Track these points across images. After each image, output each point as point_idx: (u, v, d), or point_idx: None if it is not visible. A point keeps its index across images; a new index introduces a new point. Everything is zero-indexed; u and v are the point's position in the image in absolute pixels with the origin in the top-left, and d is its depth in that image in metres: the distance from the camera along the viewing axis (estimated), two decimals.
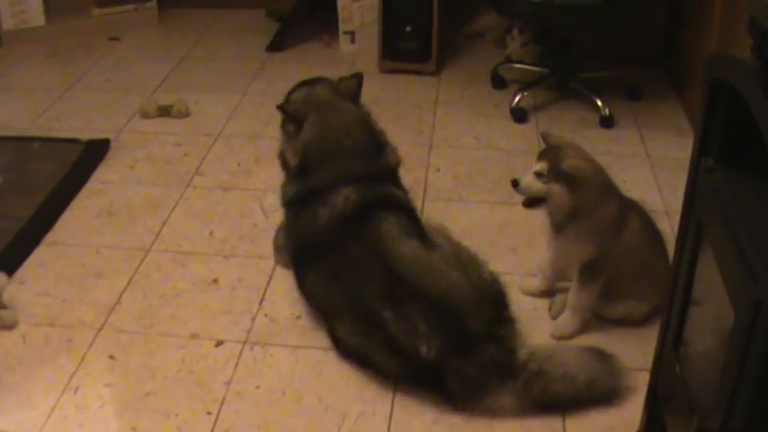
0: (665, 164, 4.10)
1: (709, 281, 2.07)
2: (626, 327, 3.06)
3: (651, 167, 4.09)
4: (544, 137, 3.02)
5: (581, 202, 2.87)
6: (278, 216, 3.37)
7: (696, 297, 2.24)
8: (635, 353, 2.91)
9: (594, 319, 3.08)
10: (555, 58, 4.83)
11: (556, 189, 2.86)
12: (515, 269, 3.37)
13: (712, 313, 2.13)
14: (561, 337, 3.04)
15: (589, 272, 2.96)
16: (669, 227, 3.52)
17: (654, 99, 4.74)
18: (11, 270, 3.36)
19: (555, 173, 2.85)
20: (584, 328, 3.07)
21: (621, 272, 2.97)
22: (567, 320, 3.05)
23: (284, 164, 3.24)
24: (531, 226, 3.59)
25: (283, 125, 3.23)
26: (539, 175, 2.88)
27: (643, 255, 2.99)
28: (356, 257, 2.90)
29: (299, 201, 3.13)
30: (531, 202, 2.94)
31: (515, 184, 2.93)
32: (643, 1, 4.49)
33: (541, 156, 2.92)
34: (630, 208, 3.00)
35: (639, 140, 4.34)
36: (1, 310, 3.12)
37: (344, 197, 3.01)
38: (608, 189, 2.94)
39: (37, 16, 5.59)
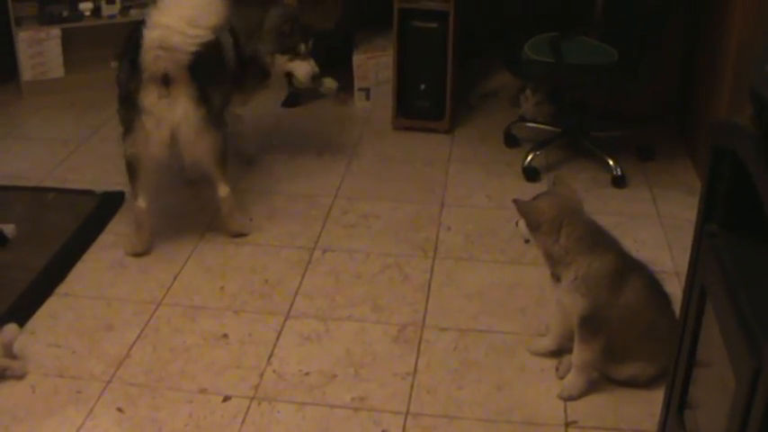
0: (676, 224, 4.11)
1: (713, 345, 2.08)
2: (634, 388, 3.05)
3: (662, 227, 4.10)
4: (555, 181, 3.09)
5: (557, 249, 2.95)
6: None
7: (701, 361, 2.25)
8: (643, 414, 2.92)
9: (603, 380, 3.08)
10: (567, 117, 4.86)
11: (535, 233, 2.99)
12: (524, 330, 3.38)
13: (717, 378, 2.14)
14: (568, 398, 3.04)
15: (586, 327, 2.97)
16: (680, 287, 3.51)
17: (666, 159, 4.75)
18: (22, 320, 3.37)
19: None
20: (592, 388, 3.06)
21: (625, 332, 2.97)
22: (572, 380, 3.05)
23: None
24: (542, 287, 3.59)
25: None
26: None
27: (647, 316, 2.99)
28: None
29: None
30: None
31: (517, 224, 3.05)
32: (655, 62, 4.53)
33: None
34: (633, 267, 3.01)
35: (651, 200, 4.35)
36: (11, 361, 3.13)
37: None
38: (594, 241, 2.97)
39: (56, 68, 5.66)
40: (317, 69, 4.31)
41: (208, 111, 3.68)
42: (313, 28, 4.29)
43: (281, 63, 4.30)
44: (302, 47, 4.27)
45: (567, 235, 2.95)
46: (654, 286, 3.05)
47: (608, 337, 2.96)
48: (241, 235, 3.97)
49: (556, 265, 2.99)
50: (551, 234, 2.96)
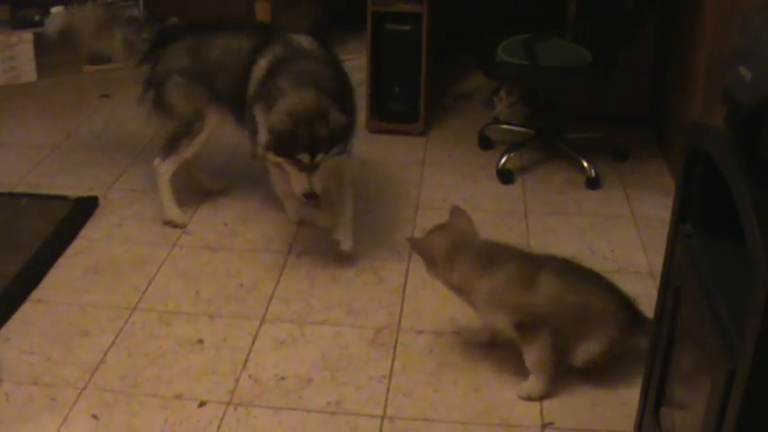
0: (650, 224, 4.12)
1: (688, 346, 2.09)
2: (609, 389, 3.06)
3: (636, 228, 4.11)
4: (452, 211, 3.25)
5: (456, 279, 3.10)
6: None
7: (676, 361, 2.26)
8: (619, 415, 2.92)
9: (578, 382, 3.09)
10: (542, 119, 4.87)
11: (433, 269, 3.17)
12: None
13: (692, 378, 2.15)
14: (527, 398, 3.06)
15: (521, 331, 3.02)
16: (654, 288, 3.52)
17: (640, 159, 4.77)
18: None
19: None
20: (559, 388, 3.09)
21: (560, 321, 3.02)
22: (531, 383, 3.07)
23: None
24: None
25: None
26: None
27: (573, 300, 3.04)
28: None
29: None
30: None
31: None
32: (629, 63, 4.55)
33: None
34: (537, 264, 3.09)
35: (625, 201, 4.36)
36: None
37: None
38: (488, 260, 3.08)
39: (29, 72, 5.63)
40: (314, 189, 3.49)
41: None
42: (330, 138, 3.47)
43: (272, 160, 3.59)
44: (306, 157, 3.44)
45: (460, 264, 3.07)
46: (569, 271, 3.11)
47: (549, 331, 3.00)
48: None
49: (462, 294, 3.13)
50: (447, 267, 3.09)
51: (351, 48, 5.35)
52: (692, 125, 2.14)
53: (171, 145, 4.05)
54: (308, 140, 3.40)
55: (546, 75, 4.43)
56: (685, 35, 4.46)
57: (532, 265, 3.08)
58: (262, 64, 3.73)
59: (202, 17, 4.45)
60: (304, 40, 3.80)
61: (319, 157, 3.43)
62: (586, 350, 3.04)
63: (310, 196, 3.48)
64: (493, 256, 3.10)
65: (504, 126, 5.01)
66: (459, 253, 3.07)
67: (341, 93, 3.66)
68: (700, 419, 1.90)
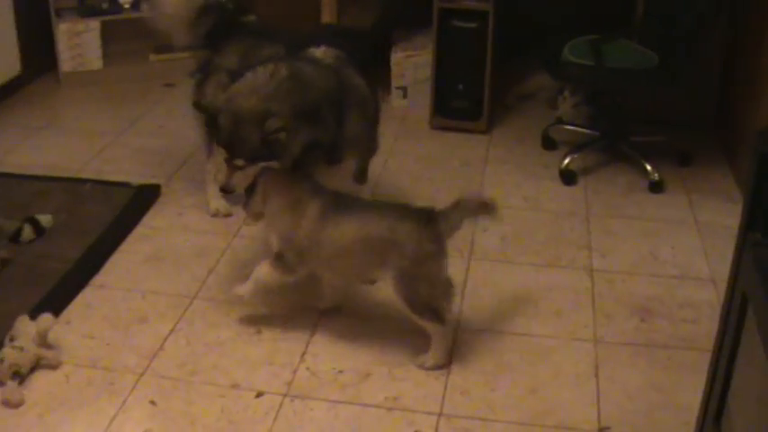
0: (713, 231, 4.08)
1: (754, 355, 2.06)
2: (668, 394, 3.04)
3: (699, 234, 4.07)
4: None
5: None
6: None
7: (740, 370, 2.23)
8: (677, 422, 2.91)
9: (638, 388, 3.06)
10: (606, 120, 4.84)
11: None
12: (559, 333, 3.37)
13: (756, 388, 2.12)
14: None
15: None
16: (716, 295, 3.50)
17: (704, 165, 4.72)
18: (57, 310, 3.39)
19: None
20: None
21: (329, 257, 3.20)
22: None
23: None
24: (577, 290, 3.59)
25: None
26: None
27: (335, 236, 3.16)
28: None
29: None
30: None
31: None
32: (696, 66, 4.50)
33: None
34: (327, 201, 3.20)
35: (688, 206, 4.32)
36: (46, 350, 3.15)
37: None
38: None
39: (95, 60, 5.69)
40: (229, 186, 3.30)
41: None
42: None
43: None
44: (224, 152, 3.27)
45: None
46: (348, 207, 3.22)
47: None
48: None
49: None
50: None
51: (416, 44, 5.34)
52: (765, 130, 2.11)
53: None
54: (228, 134, 3.21)
55: (612, 76, 4.40)
56: (755, 38, 4.41)
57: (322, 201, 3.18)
58: None
59: (270, 16, 4.47)
60: (320, 53, 3.58)
61: (239, 161, 3.20)
62: (388, 280, 3.11)
63: (224, 190, 3.33)
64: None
65: (568, 127, 4.98)
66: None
67: (319, 109, 3.32)
68: (763, 429, 1.88)
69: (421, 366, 3.17)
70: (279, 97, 3.20)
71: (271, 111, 3.15)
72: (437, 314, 3.12)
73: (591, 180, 4.56)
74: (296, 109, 3.21)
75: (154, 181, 4.37)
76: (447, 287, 3.16)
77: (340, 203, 3.18)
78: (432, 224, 3.08)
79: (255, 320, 3.41)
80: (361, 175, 3.72)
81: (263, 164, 3.20)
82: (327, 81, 3.38)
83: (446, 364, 3.19)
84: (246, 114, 3.16)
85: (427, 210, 3.13)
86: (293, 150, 3.22)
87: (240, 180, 3.25)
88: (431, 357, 3.18)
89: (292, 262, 3.20)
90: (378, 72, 5.40)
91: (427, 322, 3.14)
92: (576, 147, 4.68)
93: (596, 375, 3.16)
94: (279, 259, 3.22)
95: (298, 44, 3.62)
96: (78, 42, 5.62)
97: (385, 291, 3.53)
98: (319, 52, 3.54)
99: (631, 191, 4.46)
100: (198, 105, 3.32)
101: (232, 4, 4.08)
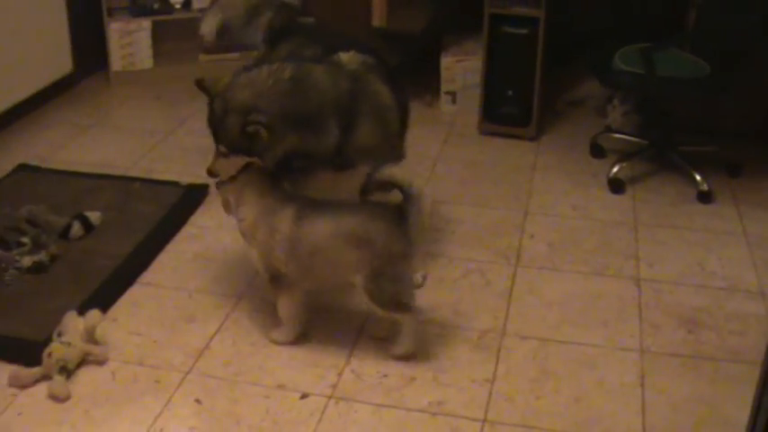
0: (762, 243, 4.04)
1: None
2: (714, 406, 3.01)
3: (748, 246, 4.03)
4: None
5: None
6: None
7: None
8: None
9: (682, 399, 3.05)
10: (655, 129, 4.81)
11: None
12: (606, 342, 3.35)
13: None
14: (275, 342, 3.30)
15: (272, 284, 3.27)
16: (764, 308, 3.48)
17: (754, 176, 4.68)
18: (105, 307, 3.42)
19: None
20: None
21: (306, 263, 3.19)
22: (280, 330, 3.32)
23: None
24: (624, 299, 3.57)
25: None
26: None
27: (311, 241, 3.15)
28: None
29: None
30: None
31: None
32: (747, 77, 4.46)
33: None
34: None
35: (737, 217, 4.28)
36: (93, 346, 3.18)
37: None
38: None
39: (145, 59, 5.73)
40: (213, 170, 3.34)
41: None
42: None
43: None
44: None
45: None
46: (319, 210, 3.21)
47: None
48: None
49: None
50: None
51: (466, 49, 5.34)
52: None
53: None
54: (216, 119, 3.25)
55: (663, 85, 4.37)
56: None
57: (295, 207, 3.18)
58: None
59: (321, 17, 4.48)
60: (346, 58, 3.51)
61: (222, 148, 3.24)
62: (358, 279, 3.11)
63: (208, 173, 3.34)
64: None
65: (617, 135, 4.95)
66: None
67: (317, 116, 3.29)
68: None
69: (392, 355, 3.20)
70: (271, 96, 3.22)
71: (257, 106, 3.18)
72: (405, 305, 3.15)
73: (639, 189, 4.53)
74: (285, 110, 3.22)
75: (202, 181, 4.38)
76: (412, 283, 3.24)
77: (314, 205, 3.19)
78: (402, 222, 3.07)
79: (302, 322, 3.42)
80: (380, 184, 3.62)
81: (245, 157, 3.22)
82: (337, 87, 3.37)
83: (416, 352, 3.21)
84: (234, 104, 3.20)
85: (397, 207, 3.10)
86: (276, 151, 3.22)
87: (224, 167, 3.27)
88: (401, 345, 3.21)
89: (283, 276, 3.20)
90: (427, 77, 5.42)
91: (395, 314, 3.16)
92: (625, 155, 4.65)
93: (642, 386, 3.14)
94: (274, 282, 3.24)
95: (333, 47, 3.60)
96: (129, 42, 5.66)
97: (429, 296, 3.55)
98: (346, 57, 3.51)
99: (680, 201, 4.42)
100: (199, 83, 3.34)
101: (293, 4, 4.09)
